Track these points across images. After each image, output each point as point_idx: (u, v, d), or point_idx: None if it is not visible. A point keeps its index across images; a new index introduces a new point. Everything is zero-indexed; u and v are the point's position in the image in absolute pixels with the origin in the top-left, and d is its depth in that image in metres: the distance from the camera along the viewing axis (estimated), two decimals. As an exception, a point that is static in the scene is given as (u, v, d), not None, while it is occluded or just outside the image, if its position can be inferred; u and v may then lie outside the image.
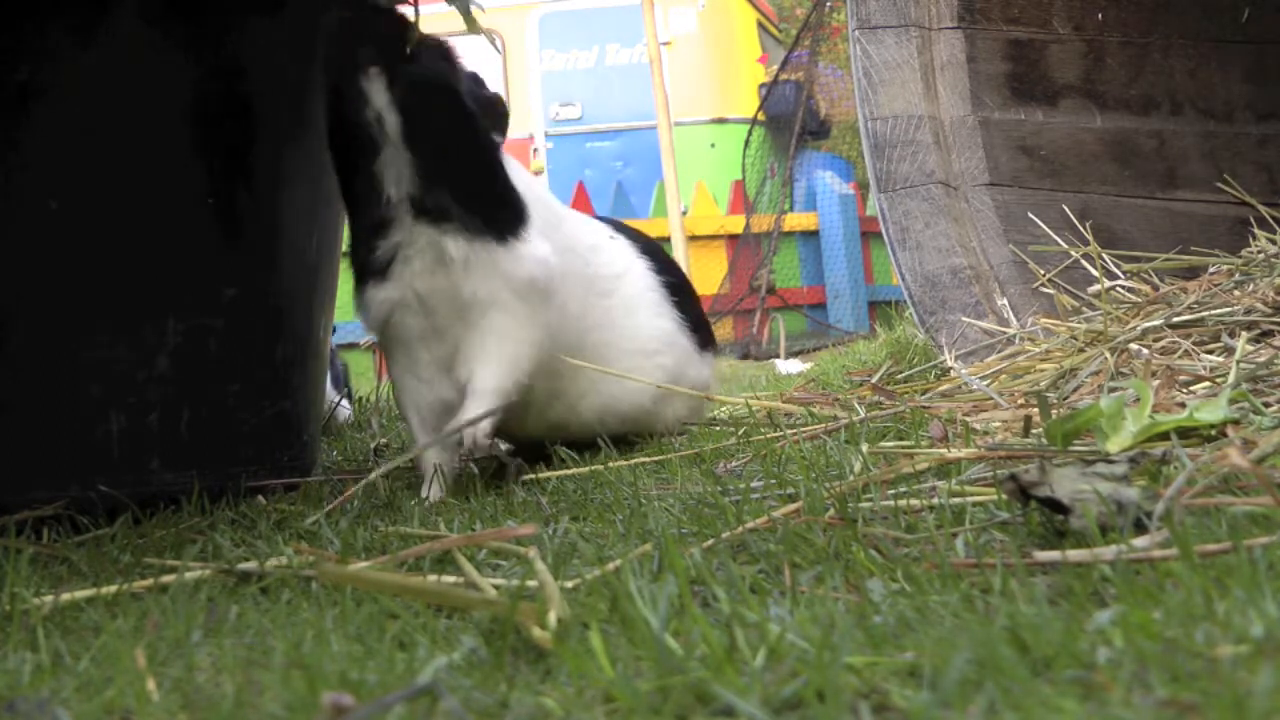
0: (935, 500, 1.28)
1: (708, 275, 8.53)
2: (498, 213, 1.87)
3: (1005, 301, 2.63)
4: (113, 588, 1.26)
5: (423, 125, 1.80)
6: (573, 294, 2.01)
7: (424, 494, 1.83)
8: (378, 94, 1.78)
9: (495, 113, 1.91)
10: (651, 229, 7.73)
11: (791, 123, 8.71)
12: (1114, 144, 2.90)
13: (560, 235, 2.01)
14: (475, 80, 1.91)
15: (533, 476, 1.79)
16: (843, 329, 8.64)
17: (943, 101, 2.79)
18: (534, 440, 2.11)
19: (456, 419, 1.85)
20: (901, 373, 2.65)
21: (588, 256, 2.12)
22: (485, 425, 1.83)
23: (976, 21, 2.84)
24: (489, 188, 1.88)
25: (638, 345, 2.17)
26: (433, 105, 1.82)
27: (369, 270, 1.85)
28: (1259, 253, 2.50)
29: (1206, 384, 1.78)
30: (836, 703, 0.74)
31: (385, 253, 1.83)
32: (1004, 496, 1.20)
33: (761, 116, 9.07)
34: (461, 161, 1.86)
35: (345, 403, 2.95)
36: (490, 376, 1.86)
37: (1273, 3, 3.01)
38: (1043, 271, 2.64)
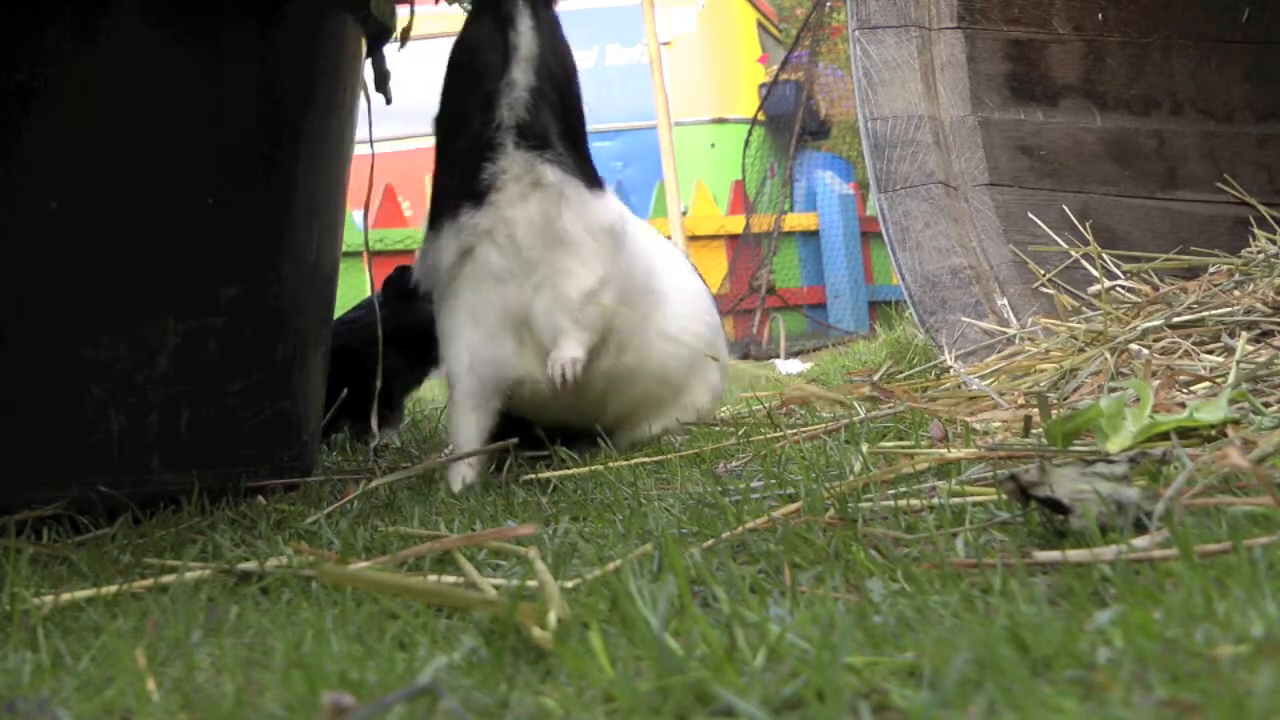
0: (935, 500, 1.28)
1: (708, 275, 8.50)
2: (587, 164, 2.00)
3: (1005, 301, 2.63)
4: (113, 588, 1.26)
5: (548, 59, 1.94)
6: (635, 239, 2.10)
7: (454, 481, 1.88)
8: (523, 20, 1.92)
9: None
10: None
11: (791, 123, 8.72)
12: (1114, 144, 2.90)
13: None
14: None
15: (533, 477, 1.79)
16: (843, 329, 8.65)
17: (943, 101, 2.80)
18: (578, 422, 2.10)
19: (553, 355, 1.91)
20: (901, 373, 2.65)
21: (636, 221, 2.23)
22: (581, 358, 1.91)
23: (976, 21, 2.84)
24: (582, 140, 2.01)
25: (685, 307, 2.23)
26: (559, 46, 1.98)
27: (462, 196, 1.93)
28: (1259, 253, 2.50)
29: (1206, 384, 1.78)
30: (836, 703, 0.74)
31: (486, 178, 1.91)
32: (1004, 496, 1.20)
33: (761, 116, 9.07)
34: (569, 104, 1.98)
35: None
36: (576, 319, 1.93)
37: (1273, 3, 3.01)
38: (1043, 271, 2.64)
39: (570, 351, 1.91)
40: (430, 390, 5.20)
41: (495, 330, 1.94)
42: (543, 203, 1.91)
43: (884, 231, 2.76)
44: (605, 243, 1.96)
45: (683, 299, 2.25)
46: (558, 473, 1.80)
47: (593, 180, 1.99)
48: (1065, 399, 1.91)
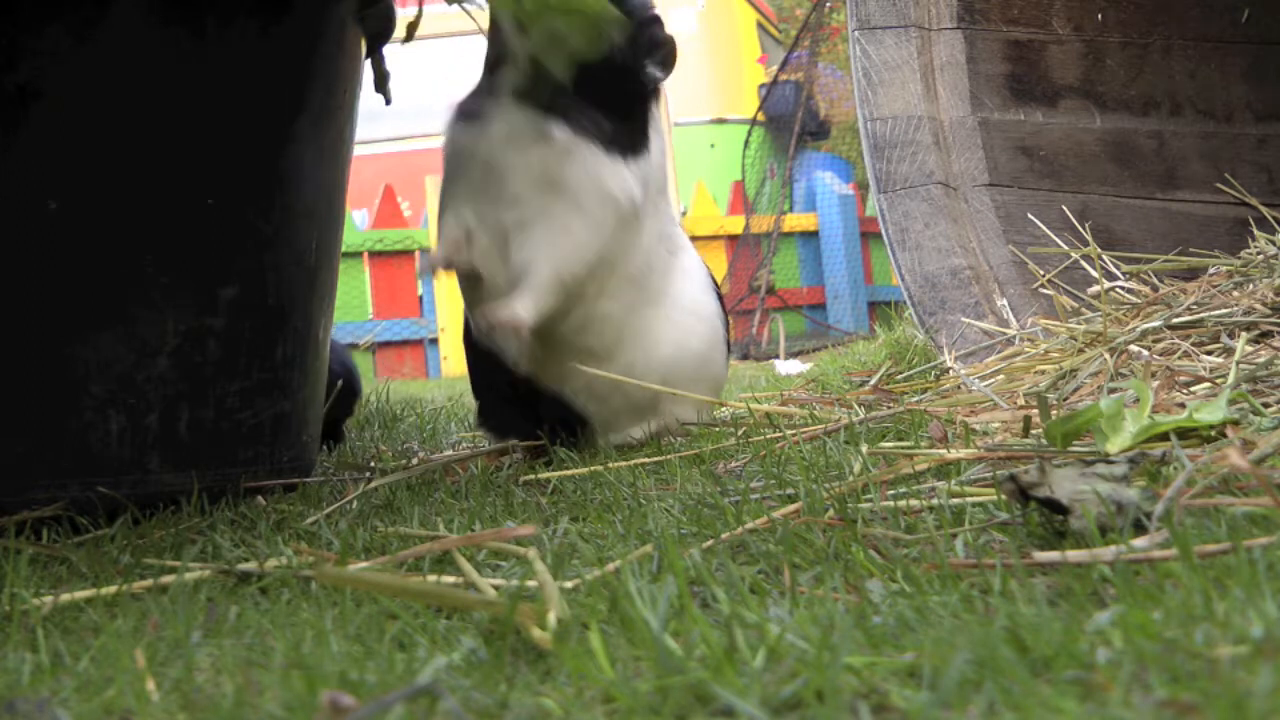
0: (935, 501, 1.28)
1: (707, 276, 8.52)
2: (617, 129, 1.90)
3: (1005, 302, 2.63)
4: (113, 588, 1.26)
5: (552, 43, 1.86)
6: (647, 225, 2.00)
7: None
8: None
9: (662, 52, 2.02)
10: (651, 229, 7.75)
11: (791, 123, 8.73)
12: (1114, 144, 2.90)
13: (653, 170, 2.02)
14: (655, 20, 2.04)
15: (533, 477, 1.79)
16: (842, 329, 8.66)
17: (942, 102, 2.80)
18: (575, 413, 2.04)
19: (497, 305, 1.84)
20: (901, 373, 2.65)
21: (665, 210, 2.15)
22: (526, 322, 1.82)
23: (976, 22, 2.84)
24: (618, 108, 1.92)
25: (692, 307, 2.14)
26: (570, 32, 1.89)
27: (464, 113, 1.93)
28: (1258, 254, 2.50)
29: (1206, 385, 1.78)
30: (836, 703, 0.74)
31: (477, 103, 1.90)
32: (1003, 497, 1.20)
33: (761, 117, 9.08)
34: (593, 83, 1.89)
35: None
36: (547, 271, 1.85)
37: (1273, 3, 3.01)
38: (1042, 272, 2.64)
39: (517, 311, 1.82)
40: (429, 390, 5.19)
41: (476, 212, 1.90)
42: (542, 153, 1.85)
43: (883, 232, 2.76)
44: (604, 209, 1.87)
45: (690, 302, 2.13)
46: (557, 473, 1.80)
47: (616, 142, 1.90)
48: (1065, 400, 1.91)
